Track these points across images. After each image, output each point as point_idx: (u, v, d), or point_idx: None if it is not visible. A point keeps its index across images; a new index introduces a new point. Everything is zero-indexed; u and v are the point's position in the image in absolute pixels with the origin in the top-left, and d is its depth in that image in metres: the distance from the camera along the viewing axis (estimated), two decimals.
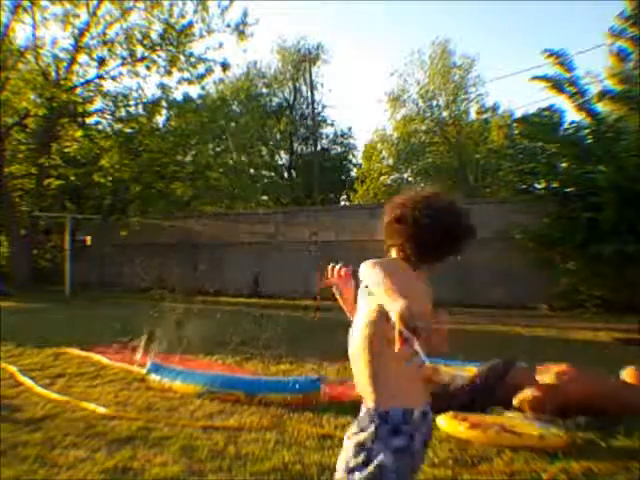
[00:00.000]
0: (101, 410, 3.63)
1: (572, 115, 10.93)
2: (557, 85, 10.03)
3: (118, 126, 15.36)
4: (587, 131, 10.16)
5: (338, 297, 1.79)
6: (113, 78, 14.98)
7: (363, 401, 1.53)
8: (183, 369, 4.44)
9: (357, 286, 1.61)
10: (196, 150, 17.27)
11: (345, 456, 1.50)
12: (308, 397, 3.75)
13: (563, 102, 10.64)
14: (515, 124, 14.47)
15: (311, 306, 10.60)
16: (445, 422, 3.25)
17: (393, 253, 1.58)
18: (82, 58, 14.99)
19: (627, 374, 3.67)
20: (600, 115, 10.46)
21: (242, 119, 20.46)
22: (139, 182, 15.64)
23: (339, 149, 30.43)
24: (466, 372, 3.98)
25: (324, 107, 29.21)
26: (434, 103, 24.50)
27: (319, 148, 28.04)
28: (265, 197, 25.57)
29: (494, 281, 10.68)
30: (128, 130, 15.22)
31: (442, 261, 1.55)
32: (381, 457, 1.43)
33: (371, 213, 12.81)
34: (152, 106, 15.45)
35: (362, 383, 1.52)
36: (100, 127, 15.98)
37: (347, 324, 1.55)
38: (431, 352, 1.20)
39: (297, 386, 3.87)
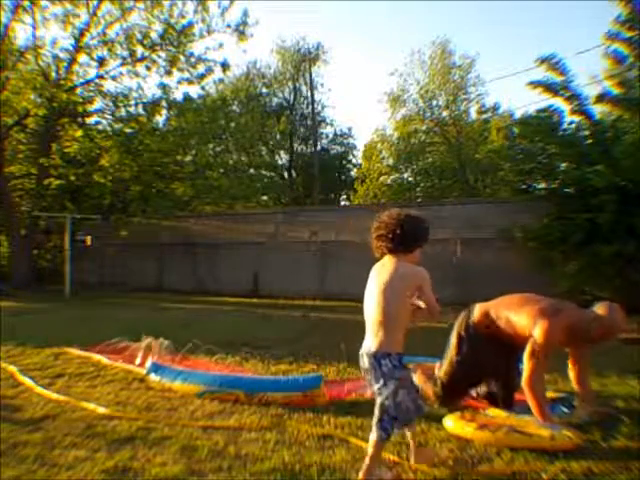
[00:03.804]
0: (101, 410, 3.63)
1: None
2: (552, 89, 10.14)
3: (118, 126, 15.34)
4: (586, 132, 10.19)
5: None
6: (113, 78, 14.97)
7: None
8: (183, 369, 4.44)
9: None
10: (196, 150, 17.27)
11: None
12: (309, 395, 3.73)
13: (561, 103, 10.75)
14: (515, 125, 14.50)
15: (308, 305, 10.65)
16: (452, 423, 3.17)
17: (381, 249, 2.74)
18: (82, 58, 15.01)
19: None
20: (597, 117, 10.50)
21: (242, 119, 20.44)
22: (139, 182, 15.63)
23: (339, 149, 30.41)
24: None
25: (324, 107, 29.23)
26: (434, 103, 24.46)
27: (319, 148, 28.03)
28: (265, 197, 25.56)
29: (494, 281, 10.64)
30: (128, 130, 15.19)
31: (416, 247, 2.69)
32: None
33: (371, 213, 12.80)
34: (152, 106, 15.43)
35: None
36: (100, 127, 15.96)
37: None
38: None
39: (301, 380, 3.92)
